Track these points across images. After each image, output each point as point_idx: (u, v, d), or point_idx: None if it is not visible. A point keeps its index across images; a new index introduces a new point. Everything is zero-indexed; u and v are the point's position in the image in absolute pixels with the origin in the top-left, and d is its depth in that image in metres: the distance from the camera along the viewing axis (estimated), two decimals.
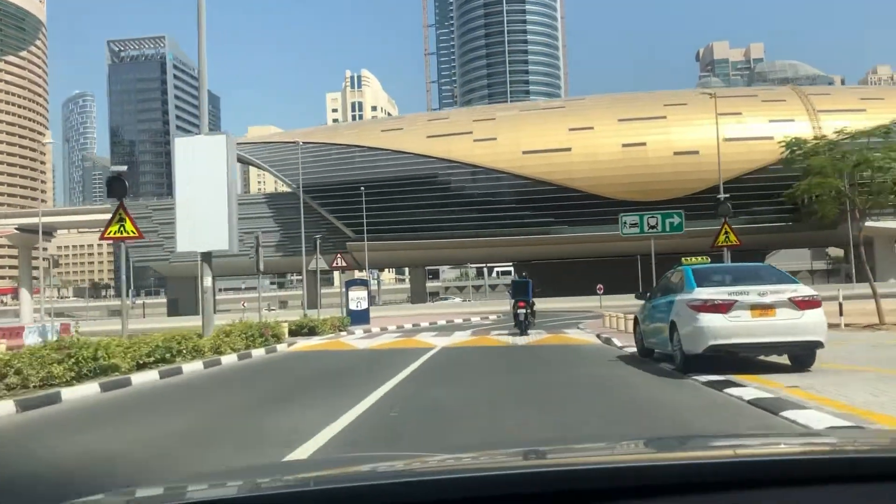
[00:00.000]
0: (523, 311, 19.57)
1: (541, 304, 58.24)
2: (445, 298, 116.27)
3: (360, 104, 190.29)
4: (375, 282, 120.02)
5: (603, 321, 24.93)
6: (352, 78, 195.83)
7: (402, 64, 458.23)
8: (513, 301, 20.26)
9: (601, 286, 42.08)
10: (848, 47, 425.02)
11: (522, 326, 19.63)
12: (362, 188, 61.31)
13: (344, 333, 26.12)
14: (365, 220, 61.56)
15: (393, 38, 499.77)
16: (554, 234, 66.28)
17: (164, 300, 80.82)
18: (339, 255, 32.34)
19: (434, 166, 67.84)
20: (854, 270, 78.92)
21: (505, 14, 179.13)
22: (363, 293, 34.19)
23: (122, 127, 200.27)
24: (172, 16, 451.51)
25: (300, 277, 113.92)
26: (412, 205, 67.44)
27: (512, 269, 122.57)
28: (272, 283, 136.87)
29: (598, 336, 19.05)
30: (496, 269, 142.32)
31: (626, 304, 49.62)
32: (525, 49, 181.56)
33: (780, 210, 66.30)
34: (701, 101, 75.74)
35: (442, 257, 72.68)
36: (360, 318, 32.54)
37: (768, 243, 70.65)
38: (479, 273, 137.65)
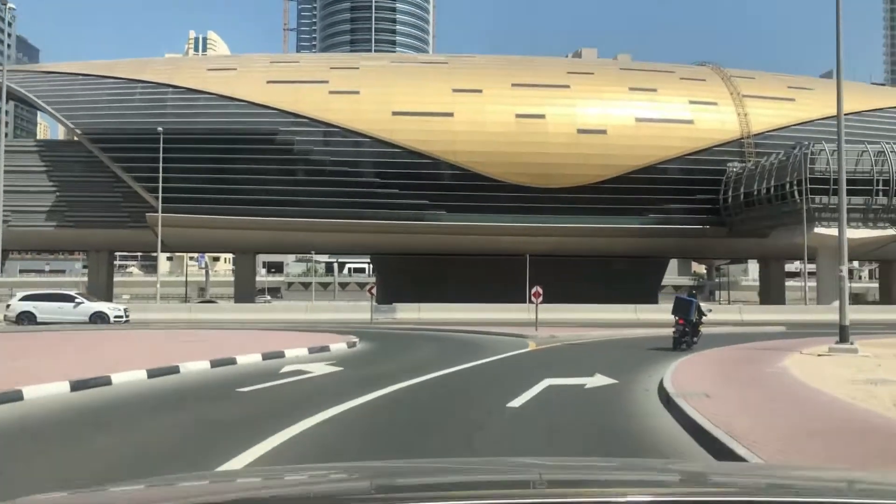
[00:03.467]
0: (681, 327, 19.73)
1: (417, 314, 42.22)
2: (281, 299, 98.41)
3: None
4: (203, 271, 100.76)
5: None
6: (196, 39, 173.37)
7: (257, 38, 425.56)
8: (674, 318, 20.16)
9: (538, 289, 26.52)
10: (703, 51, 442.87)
11: (677, 343, 19.46)
12: (159, 129, 43.74)
13: None
14: (161, 183, 43.92)
15: (250, 10, 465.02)
16: (429, 222, 51.43)
17: None
18: None
19: (275, 120, 51.15)
20: (760, 292, 70.13)
21: None
22: None
23: None
24: None
25: (84, 259, 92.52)
26: (242, 168, 50.50)
27: (368, 265, 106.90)
28: (86, 267, 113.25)
29: None
30: (349, 266, 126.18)
31: (538, 317, 34.03)
32: (393, 29, 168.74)
33: (701, 210, 55.10)
34: (609, 72, 63.96)
35: (278, 242, 55.93)
36: None
37: (682, 249, 59.40)
38: (330, 269, 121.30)
